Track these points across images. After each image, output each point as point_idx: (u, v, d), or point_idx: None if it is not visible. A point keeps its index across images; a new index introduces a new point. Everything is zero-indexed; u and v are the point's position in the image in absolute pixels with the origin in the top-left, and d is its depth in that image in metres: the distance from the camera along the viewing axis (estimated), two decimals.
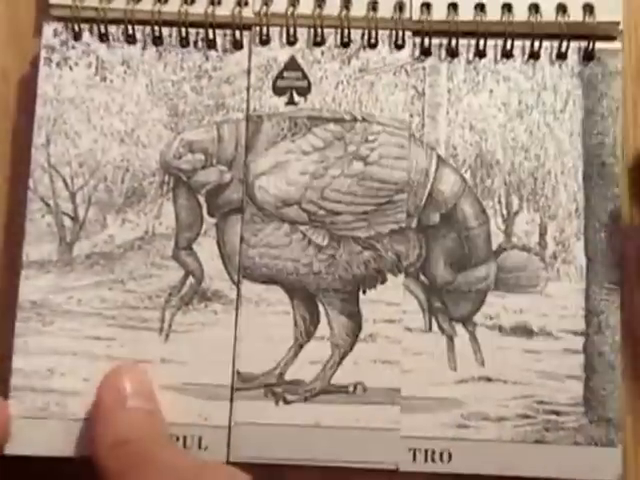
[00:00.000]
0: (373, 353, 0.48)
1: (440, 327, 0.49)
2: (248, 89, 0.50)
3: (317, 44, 0.51)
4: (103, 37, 0.51)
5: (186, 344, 0.48)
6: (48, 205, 0.49)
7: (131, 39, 0.51)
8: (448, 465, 0.47)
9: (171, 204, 0.49)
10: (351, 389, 0.48)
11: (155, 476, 0.42)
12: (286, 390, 0.48)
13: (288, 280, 0.49)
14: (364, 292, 0.49)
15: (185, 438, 0.47)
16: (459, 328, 0.48)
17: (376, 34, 0.51)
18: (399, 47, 0.51)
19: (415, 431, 0.48)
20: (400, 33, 0.50)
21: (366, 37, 0.51)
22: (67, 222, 0.49)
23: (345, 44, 0.51)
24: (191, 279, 0.49)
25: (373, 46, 0.51)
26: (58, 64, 0.50)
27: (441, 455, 0.47)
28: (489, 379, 0.48)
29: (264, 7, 0.50)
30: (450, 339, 0.48)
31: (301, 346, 0.48)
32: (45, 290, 0.48)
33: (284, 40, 0.51)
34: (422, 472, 0.47)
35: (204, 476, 0.43)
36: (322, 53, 0.51)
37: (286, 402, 0.48)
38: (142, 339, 0.48)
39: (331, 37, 0.51)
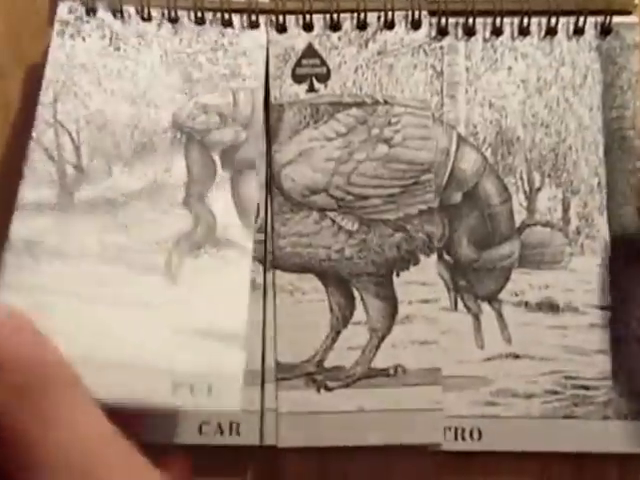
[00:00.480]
0: (411, 334, 0.48)
1: (466, 306, 0.48)
2: (267, 67, 0.50)
3: (334, 29, 0.51)
4: (117, 14, 0.50)
5: (197, 288, 0.46)
6: (51, 156, 0.48)
7: (147, 18, 0.50)
8: (478, 443, 0.47)
9: (183, 158, 0.48)
10: (392, 372, 0.48)
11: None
12: (327, 377, 0.48)
13: (321, 267, 0.48)
14: (397, 274, 0.49)
15: (220, 425, 0.47)
16: (485, 306, 0.48)
17: (392, 15, 0.50)
18: (416, 27, 0.50)
19: (445, 410, 0.47)
20: (416, 13, 0.50)
21: (382, 19, 0.51)
22: (70, 170, 0.48)
23: (362, 27, 0.50)
24: (203, 226, 0.47)
25: (390, 27, 0.50)
26: (71, 35, 0.50)
27: (471, 433, 0.47)
28: (517, 356, 0.48)
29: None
30: (476, 317, 0.48)
31: (338, 332, 0.48)
32: (40, 231, 0.46)
33: (300, 27, 0.51)
34: (452, 450, 0.47)
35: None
36: (339, 38, 0.50)
37: (328, 389, 0.47)
38: (146, 282, 0.46)
39: (347, 21, 0.51)
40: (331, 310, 0.48)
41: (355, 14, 0.50)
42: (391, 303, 0.48)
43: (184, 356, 0.45)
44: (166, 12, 0.50)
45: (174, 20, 0.50)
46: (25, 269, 0.46)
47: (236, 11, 0.50)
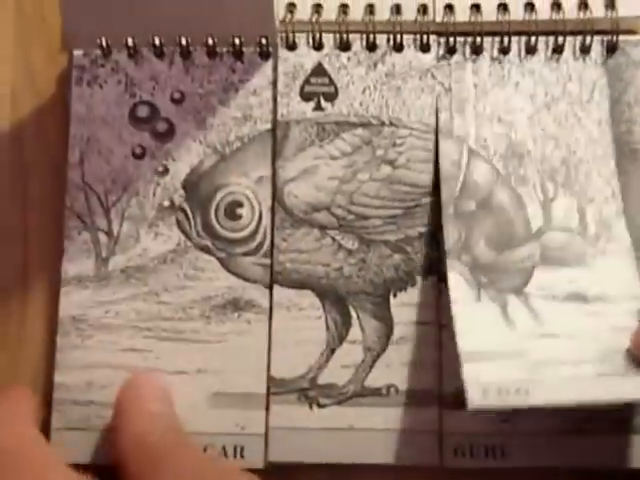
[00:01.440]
0: (405, 355, 0.48)
1: (490, 298, 0.47)
2: (275, 98, 0.51)
3: (343, 49, 0.51)
4: (131, 52, 0.51)
5: (220, 354, 0.48)
6: (84, 222, 0.49)
7: (159, 52, 0.51)
8: (492, 460, 0.47)
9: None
10: (384, 391, 0.48)
11: (175, 476, 0.41)
12: (320, 394, 0.48)
13: (319, 284, 0.49)
14: (395, 295, 0.49)
15: (224, 447, 0.47)
16: (511, 297, 0.47)
17: (401, 38, 0.51)
18: (424, 50, 0.51)
19: (457, 427, 0.47)
20: (425, 36, 0.51)
21: (391, 41, 0.51)
22: (102, 238, 0.49)
23: (371, 48, 0.51)
24: (224, 290, 0.49)
25: (399, 50, 0.51)
26: (89, 83, 0.51)
27: (485, 450, 0.47)
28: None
29: (289, 15, 0.51)
30: (503, 308, 0.47)
31: (333, 350, 0.48)
32: (84, 305, 0.48)
33: (310, 46, 0.51)
34: (463, 468, 0.47)
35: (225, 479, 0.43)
36: (348, 59, 0.51)
37: (320, 406, 0.48)
38: (177, 350, 0.48)
39: (357, 42, 0.51)
40: (327, 328, 0.48)
41: (365, 35, 0.51)
42: (387, 323, 0.48)
43: (214, 419, 0.47)
44: (177, 46, 0.51)
45: (186, 55, 0.51)
46: (74, 347, 0.48)
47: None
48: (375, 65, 0.51)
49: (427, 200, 0.49)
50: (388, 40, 0.51)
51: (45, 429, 0.47)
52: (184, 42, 0.51)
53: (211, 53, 0.51)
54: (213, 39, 0.51)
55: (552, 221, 0.49)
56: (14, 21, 0.54)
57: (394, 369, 0.48)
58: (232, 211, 0.50)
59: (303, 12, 0.52)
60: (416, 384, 0.48)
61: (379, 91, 0.51)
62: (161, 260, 0.49)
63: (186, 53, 0.51)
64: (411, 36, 0.51)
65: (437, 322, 0.48)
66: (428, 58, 0.51)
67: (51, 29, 0.53)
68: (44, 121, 0.52)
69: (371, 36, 0.51)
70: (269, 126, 0.51)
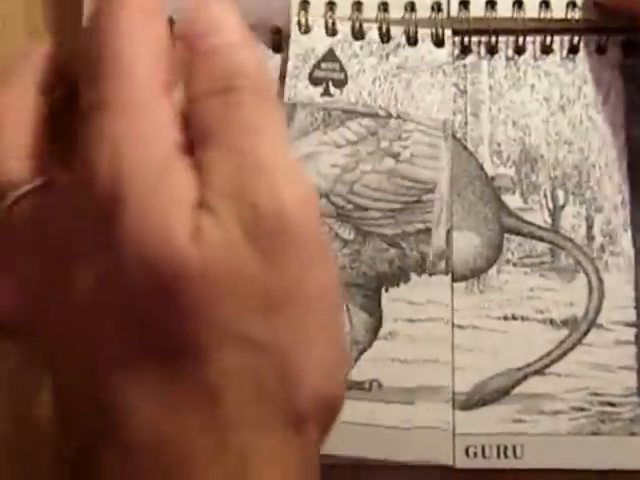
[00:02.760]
0: (391, 351, 0.48)
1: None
2: (282, 78, 0.50)
3: (357, 37, 0.50)
4: None
5: None
6: None
7: None
8: (505, 461, 0.47)
9: None
10: (367, 386, 0.47)
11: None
12: None
13: None
14: (386, 290, 0.48)
15: None
16: (509, 323, 0.48)
17: (416, 31, 0.50)
18: (439, 45, 0.50)
19: (469, 427, 0.47)
20: (440, 31, 0.50)
21: (405, 35, 0.50)
22: None
23: (385, 39, 0.50)
24: None
25: (413, 43, 0.50)
26: None
27: (497, 450, 0.47)
28: (543, 373, 0.48)
29: (302, 12, 0.50)
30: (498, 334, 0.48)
31: None
32: None
33: (324, 31, 0.50)
34: (476, 468, 0.47)
35: None
36: (361, 47, 0.50)
37: None
38: None
39: (371, 31, 0.50)
40: None
41: (380, 25, 0.50)
42: (376, 317, 0.48)
43: None
44: None
45: None
46: None
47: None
48: (387, 56, 0.50)
49: (428, 197, 0.48)
50: (404, 32, 0.50)
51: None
52: None
53: None
54: None
55: (560, 231, 0.49)
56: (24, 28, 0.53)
57: (379, 364, 0.47)
58: None
59: (317, 9, 0.51)
60: (401, 381, 0.47)
61: (389, 83, 0.50)
62: None
63: None
64: (427, 30, 0.50)
65: (428, 320, 0.48)
66: (442, 54, 0.50)
67: (60, 36, 0.52)
68: None
69: (384, 27, 0.50)
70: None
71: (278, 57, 0.51)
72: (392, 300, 0.48)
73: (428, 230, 0.49)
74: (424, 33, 0.50)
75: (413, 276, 0.48)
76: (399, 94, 0.50)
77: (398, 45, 0.50)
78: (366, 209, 0.49)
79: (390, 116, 0.50)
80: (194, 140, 0.30)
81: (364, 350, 0.48)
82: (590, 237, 0.48)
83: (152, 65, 0.30)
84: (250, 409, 0.29)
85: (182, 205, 0.29)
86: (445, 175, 0.49)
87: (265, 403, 0.29)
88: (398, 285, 0.48)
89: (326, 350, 0.31)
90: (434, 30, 0.50)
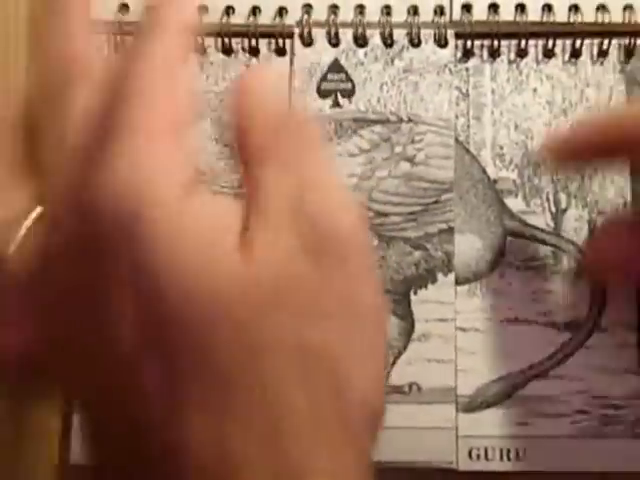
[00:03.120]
0: (426, 352, 0.47)
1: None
2: (290, 95, 0.49)
3: (360, 45, 0.50)
4: None
5: None
6: None
7: None
8: (507, 463, 0.47)
9: None
10: (406, 389, 0.47)
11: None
12: None
13: None
14: (415, 293, 0.48)
15: None
16: (512, 326, 0.48)
17: (418, 33, 0.50)
18: (442, 46, 0.50)
19: (472, 430, 0.47)
20: (443, 31, 0.50)
21: (408, 37, 0.50)
22: None
23: (388, 44, 0.50)
24: None
25: (416, 45, 0.50)
26: None
27: (500, 453, 0.47)
28: (546, 376, 0.47)
29: (305, 16, 0.50)
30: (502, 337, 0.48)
31: None
32: None
33: (327, 42, 0.50)
34: (478, 471, 0.47)
35: None
36: (365, 54, 0.50)
37: None
38: None
39: (374, 38, 0.50)
40: None
41: (382, 31, 0.50)
42: (408, 321, 0.48)
43: None
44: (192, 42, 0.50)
45: (202, 51, 0.50)
46: None
47: (262, 35, 0.50)
48: (392, 61, 0.50)
49: (447, 196, 0.48)
50: (406, 35, 0.50)
51: (66, 430, 0.48)
52: (199, 39, 0.51)
53: (226, 50, 0.50)
54: (229, 36, 0.51)
55: (562, 234, 0.49)
56: (27, 34, 0.53)
57: (416, 367, 0.47)
58: None
59: (320, 13, 0.51)
60: (437, 382, 0.47)
61: (397, 87, 0.49)
62: None
63: (201, 50, 0.50)
64: (429, 31, 0.50)
65: (456, 319, 0.48)
66: (446, 53, 0.50)
67: None
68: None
69: (387, 31, 0.50)
70: None
71: (281, 60, 0.51)
72: (421, 302, 0.48)
73: (451, 229, 0.49)
74: (427, 33, 0.50)
75: (440, 276, 0.48)
76: (408, 97, 0.50)
77: (402, 48, 0.50)
78: (386, 215, 0.49)
79: (401, 120, 0.49)
80: (248, 159, 0.31)
81: (400, 354, 0.48)
82: None
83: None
84: (305, 418, 0.29)
85: (224, 227, 0.30)
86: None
87: (319, 410, 0.30)
88: (426, 287, 0.48)
89: (372, 361, 0.32)
90: (437, 30, 0.50)
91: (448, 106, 0.50)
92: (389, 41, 0.50)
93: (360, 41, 0.51)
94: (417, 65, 0.50)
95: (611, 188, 0.49)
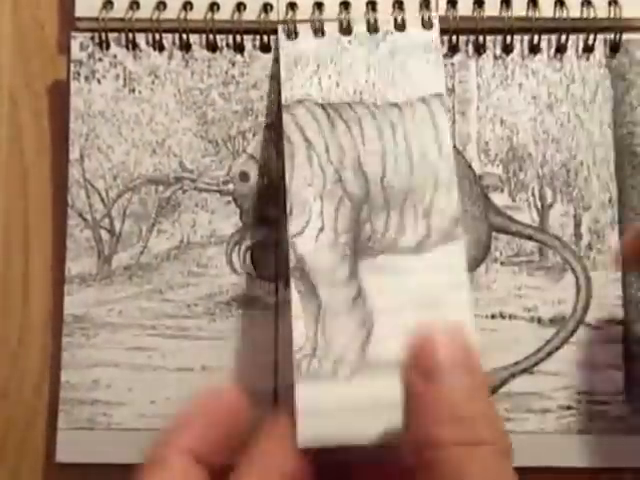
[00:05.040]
0: None
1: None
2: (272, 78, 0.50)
3: (345, 33, 0.49)
4: (130, 46, 0.50)
5: (225, 350, 0.48)
6: (86, 220, 0.48)
7: (158, 46, 0.50)
8: None
9: (205, 212, 0.49)
10: None
11: None
12: None
13: None
14: None
15: None
16: (497, 321, 0.48)
17: (403, 19, 0.49)
18: (427, 28, 0.49)
19: None
20: (427, 15, 0.49)
21: (394, 22, 0.49)
22: (105, 236, 0.48)
23: (373, 31, 0.49)
24: (230, 286, 0.49)
25: (401, 29, 0.49)
26: (87, 78, 0.49)
27: None
28: (531, 372, 0.48)
29: (290, 12, 0.49)
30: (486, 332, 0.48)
31: None
32: (87, 304, 0.48)
33: (311, 33, 0.49)
34: None
35: None
36: (349, 42, 0.49)
37: None
38: (181, 347, 0.48)
39: (357, 26, 0.49)
40: None
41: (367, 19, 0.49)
42: None
43: None
44: (177, 39, 0.50)
45: (186, 47, 0.50)
46: (79, 346, 0.48)
47: (247, 32, 0.50)
48: (378, 45, 0.49)
49: None
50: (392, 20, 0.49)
51: (51, 429, 0.48)
52: (184, 35, 0.50)
53: (211, 46, 0.50)
54: (213, 32, 0.51)
55: (548, 229, 0.49)
56: (12, 28, 0.53)
57: None
58: None
59: (303, 8, 0.50)
60: None
61: (384, 68, 0.48)
62: (164, 257, 0.49)
63: (186, 46, 0.50)
64: (414, 15, 0.49)
65: None
66: (432, 34, 0.49)
67: (48, 35, 0.52)
68: (43, 123, 0.51)
69: (372, 20, 0.49)
70: (270, 119, 0.50)
71: (266, 57, 0.51)
72: None
73: None
74: (413, 17, 0.49)
75: None
76: (396, 76, 0.48)
77: (387, 32, 0.49)
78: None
79: (390, 104, 0.48)
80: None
81: None
82: (578, 235, 0.48)
83: None
84: None
85: None
86: None
87: None
88: None
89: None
90: (422, 16, 0.49)
91: (436, 82, 0.48)
92: (374, 28, 0.50)
93: (345, 30, 0.50)
94: (403, 44, 0.49)
95: (596, 183, 0.49)
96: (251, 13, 0.50)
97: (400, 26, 0.49)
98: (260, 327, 0.48)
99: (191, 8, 0.50)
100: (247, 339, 0.48)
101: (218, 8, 0.50)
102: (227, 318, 0.48)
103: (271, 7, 0.50)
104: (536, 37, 0.49)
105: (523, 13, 0.49)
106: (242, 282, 0.49)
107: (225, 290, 0.49)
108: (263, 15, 0.50)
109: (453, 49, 0.50)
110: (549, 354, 0.48)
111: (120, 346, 0.48)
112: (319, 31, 0.49)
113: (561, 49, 0.49)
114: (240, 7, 0.50)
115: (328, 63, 0.48)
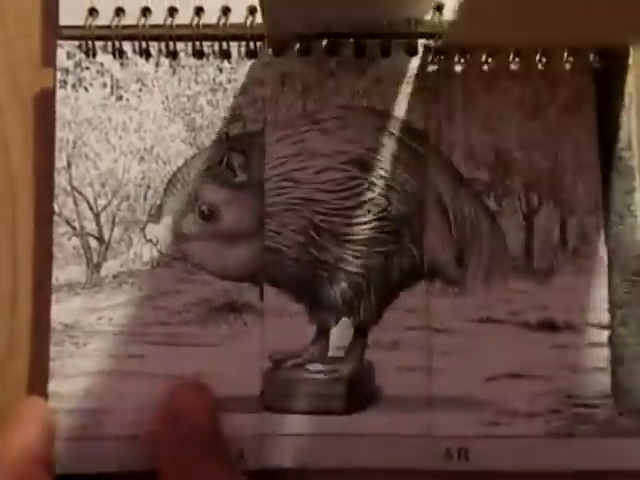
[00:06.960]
0: (396, 361, 0.48)
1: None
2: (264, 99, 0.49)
3: (332, 54, 0.50)
4: (116, 54, 0.50)
5: (216, 357, 0.48)
6: (74, 228, 0.48)
7: (145, 53, 0.50)
8: (481, 463, 0.47)
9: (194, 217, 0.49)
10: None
11: None
12: None
13: None
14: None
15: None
16: (485, 326, 0.48)
17: (389, 44, 0.49)
18: (411, 54, 0.50)
19: (447, 430, 0.47)
20: (412, 41, 0.49)
21: (380, 47, 0.50)
22: (93, 243, 0.48)
23: (359, 54, 0.50)
24: (220, 293, 0.48)
25: (386, 54, 0.49)
26: (74, 86, 0.49)
27: (475, 453, 0.47)
28: (518, 375, 0.48)
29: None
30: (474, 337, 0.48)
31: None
32: (76, 312, 0.48)
33: (297, 51, 0.50)
34: (454, 470, 0.47)
35: None
36: (338, 63, 0.49)
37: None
38: (173, 354, 0.48)
39: (345, 47, 0.50)
40: None
41: (353, 41, 0.50)
42: None
43: None
44: (164, 47, 0.50)
45: (173, 55, 0.50)
46: (69, 355, 0.47)
47: (234, 38, 0.50)
48: (365, 71, 0.50)
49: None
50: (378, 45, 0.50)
51: None
52: (170, 43, 0.50)
53: (197, 53, 0.50)
54: (200, 39, 0.51)
55: (534, 234, 0.49)
56: None
57: (386, 374, 0.48)
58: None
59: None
60: (406, 389, 0.48)
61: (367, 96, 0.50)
62: (154, 264, 0.49)
63: (172, 54, 0.50)
64: (399, 41, 0.50)
65: (427, 327, 0.48)
66: (416, 62, 0.50)
67: (34, 44, 0.52)
68: (29, 131, 0.51)
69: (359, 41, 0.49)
70: (259, 126, 0.49)
71: (255, 63, 0.51)
72: (392, 310, 0.49)
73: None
74: (396, 42, 0.50)
75: (412, 283, 0.50)
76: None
77: (373, 57, 0.50)
78: None
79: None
80: None
81: None
82: (564, 240, 0.48)
83: None
84: None
85: None
86: None
87: None
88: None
89: None
90: (406, 40, 0.50)
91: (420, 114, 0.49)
92: (360, 51, 0.50)
93: (331, 50, 0.50)
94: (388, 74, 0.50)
95: (582, 187, 0.49)
96: (237, 16, 0.50)
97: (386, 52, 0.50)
98: (250, 333, 0.48)
99: (176, 13, 0.50)
100: (237, 345, 0.48)
101: (203, 11, 0.50)
102: (218, 324, 0.48)
103: (257, 10, 0.50)
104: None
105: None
106: (232, 288, 0.48)
107: (215, 297, 0.48)
108: (250, 18, 0.50)
109: (438, 54, 0.50)
110: (535, 358, 0.47)
111: (110, 354, 0.48)
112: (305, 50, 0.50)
113: (546, 55, 0.50)
114: (226, 11, 0.49)
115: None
